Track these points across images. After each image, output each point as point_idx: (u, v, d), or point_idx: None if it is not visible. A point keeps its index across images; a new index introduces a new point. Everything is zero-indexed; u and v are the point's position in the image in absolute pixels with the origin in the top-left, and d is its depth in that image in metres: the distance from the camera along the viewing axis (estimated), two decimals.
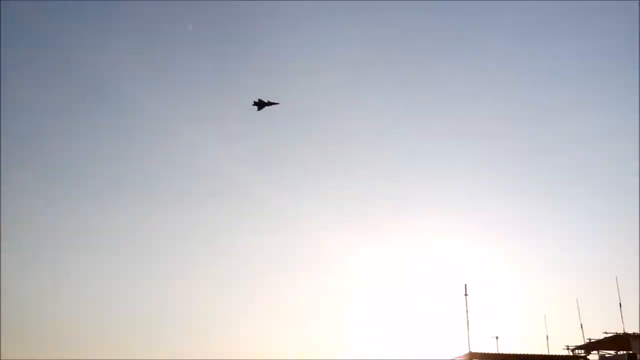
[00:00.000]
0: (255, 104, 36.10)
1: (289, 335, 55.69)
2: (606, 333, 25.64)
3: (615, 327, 25.64)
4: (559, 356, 27.63)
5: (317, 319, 56.97)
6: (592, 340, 26.80)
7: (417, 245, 62.98)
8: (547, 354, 27.82)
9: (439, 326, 39.72)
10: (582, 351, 27.90)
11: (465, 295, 28.87)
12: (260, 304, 57.53)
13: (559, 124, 68.59)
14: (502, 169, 73.38)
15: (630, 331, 25.34)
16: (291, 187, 68.83)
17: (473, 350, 27.06)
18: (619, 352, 26.98)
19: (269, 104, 36.06)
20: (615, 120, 68.57)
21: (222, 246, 63.72)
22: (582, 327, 27.40)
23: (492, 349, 29.24)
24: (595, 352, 28.10)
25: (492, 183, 71.27)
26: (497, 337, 29.81)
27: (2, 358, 38.56)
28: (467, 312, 28.32)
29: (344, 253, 62.39)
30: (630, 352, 25.28)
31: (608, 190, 66.75)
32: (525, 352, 27.15)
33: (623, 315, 26.15)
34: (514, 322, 41.11)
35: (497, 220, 67.90)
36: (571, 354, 27.80)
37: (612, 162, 66.16)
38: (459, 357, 27.86)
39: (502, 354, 27.32)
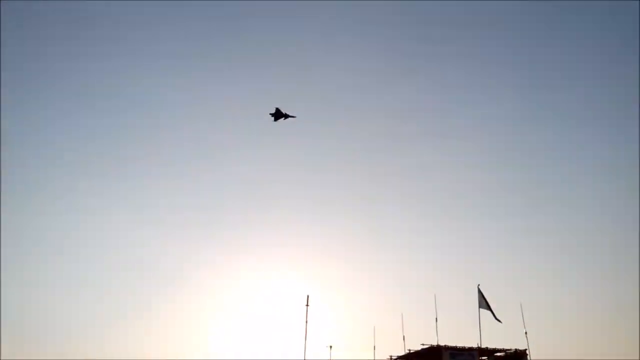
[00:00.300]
0: (275, 117, 33.16)
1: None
2: (423, 344, 28.47)
3: (431, 339, 28.66)
4: None
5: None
6: (411, 351, 29.48)
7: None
8: None
9: (281, 335, 40.82)
10: None
11: (307, 305, 29.97)
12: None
13: None
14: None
15: (442, 343, 28.46)
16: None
17: (308, 359, 28.13)
18: None
19: (287, 116, 33.23)
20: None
21: None
22: (404, 338, 30.17)
23: (325, 358, 30.82)
24: None
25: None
26: (330, 346, 31.42)
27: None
28: (306, 322, 29.42)
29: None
30: None
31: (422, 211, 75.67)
32: None
33: (438, 328, 29.40)
34: (348, 333, 43.61)
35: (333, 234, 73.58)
36: None
37: None
38: None
39: None
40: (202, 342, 53.51)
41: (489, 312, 30.28)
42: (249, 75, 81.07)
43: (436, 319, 29.70)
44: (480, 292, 30.80)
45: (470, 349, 28.38)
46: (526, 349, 28.66)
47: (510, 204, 72.50)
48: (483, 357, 29.76)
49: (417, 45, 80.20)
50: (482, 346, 28.86)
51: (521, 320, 29.29)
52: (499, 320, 29.68)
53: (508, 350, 29.10)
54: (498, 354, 29.47)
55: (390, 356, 30.61)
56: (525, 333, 28.95)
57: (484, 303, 30.45)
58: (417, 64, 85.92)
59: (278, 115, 32.98)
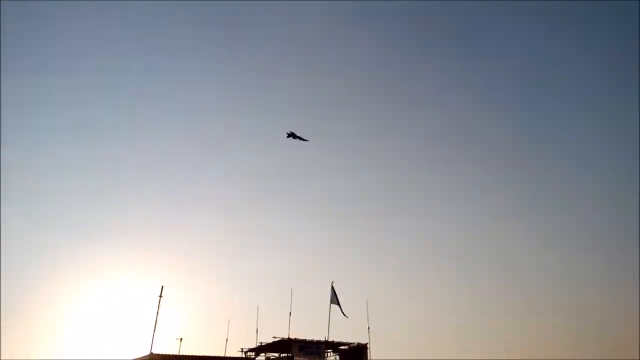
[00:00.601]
0: (288, 135, 36.05)
1: None
2: (275, 338, 29.34)
3: (284, 333, 29.64)
4: (232, 357, 30.18)
5: None
6: (263, 344, 30.17)
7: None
8: (222, 355, 30.05)
9: (131, 327, 38.92)
10: (253, 353, 31.18)
11: (160, 297, 28.93)
12: None
13: None
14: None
15: (293, 337, 29.61)
16: None
17: (155, 352, 27.14)
18: (281, 355, 31.17)
19: (300, 139, 36.02)
20: None
21: None
22: (257, 332, 30.76)
23: (174, 351, 29.98)
24: (263, 354, 31.77)
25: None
26: (181, 339, 30.72)
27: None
28: (157, 313, 28.40)
29: None
30: (290, 354, 29.48)
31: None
32: (203, 354, 28.62)
33: (291, 323, 30.52)
34: (202, 326, 43.08)
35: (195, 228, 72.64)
36: (244, 355, 30.74)
37: None
38: (139, 357, 27.54)
39: (181, 356, 28.20)
40: (54, 342, 48.95)
41: (339, 308, 32.21)
42: None
43: (290, 313, 30.77)
44: (333, 289, 32.64)
45: (318, 342, 29.99)
46: (367, 343, 31.14)
47: (367, 207, 78.43)
48: (329, 350, 31.62)
49: None
50: (329, 340, 30.67)
51: (366, 316, 31.78)
52: (345, 316, 31.74)
53: (351, 344, 31.32)
54: (342, 347, 31.55)
55: (242, 349, 30.98)
56: (368, 329, 31.46)
57: (335, 299, 32.33)
58: None
59: (293, 135, 36.20)
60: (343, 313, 31.66)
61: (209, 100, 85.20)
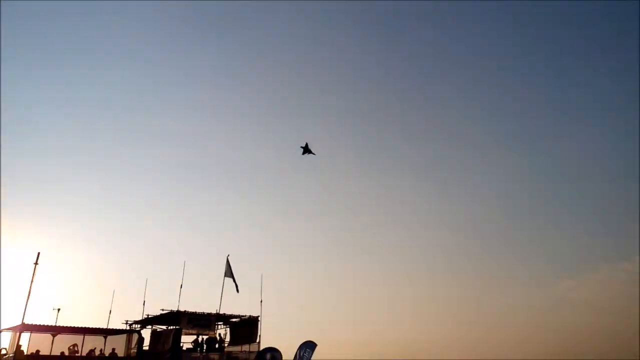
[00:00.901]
0: (302, 147, 36.07)
1: None
2: (163, 310, 28.51)
3: (174, 306, 28.87)
4: (114, 329, 28.90)
5: None
6: (149, 316, 29.20)
7: None
8: (104, 327, 28.66)
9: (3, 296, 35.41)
10: (139, 326, 30.09)
11: (36, 264, 26.65)
12: None
13: None
14: None
15: (183, 309, 28.99)
16: None
17: (27, 322, 25.10)
18: (169, 327, 30.39)
19: (310, 152, 36.05)
20: None
21: None
22: (144, 303, 29.68)
23: (51, 321, 28.08)
24: (150, 326, 30.76)
25: None
26: (58, 309, 28.80)
27: None
28: (32, 281, 26.17)
29: None
30: (178, 327, 28.80)
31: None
32: (82, 326, 27.07)
33: (182, 295, 29.81)
34: (84, 296, 40.65)
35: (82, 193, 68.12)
36: (128, 327, 29.55)
37: None
38: (10, 327, 25.39)
39: (57, 326, 26.45)
40: None
41: (232, 281, 32.07)
42: None
43: (181, 285, 30.02)
44: (228, 263, 32.38)
45: (209, 314, 29.66)
46: (258, 316, 31.45)
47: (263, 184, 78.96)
48: (219, 322, 31.50)
49: None
50: (221, 313, 30.48)
51: (260, 290, 32.01)
52: (237, 291, 31.67)
53: (243, 316, 31.44)
54: (233, 319, 31.58)
55: (127, 321, 29.78)
56: (261, 302, 31.75)
57: (229, 273, 32.13)
58: None
59: (306, 150, 36.24)
60: (236, 287, 31.57)
61: None
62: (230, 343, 31.78)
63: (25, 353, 25.23)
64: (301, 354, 31.88)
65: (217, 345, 30.47)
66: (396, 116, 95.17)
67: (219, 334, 31.22)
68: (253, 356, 29.24)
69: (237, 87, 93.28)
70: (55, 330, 26.41)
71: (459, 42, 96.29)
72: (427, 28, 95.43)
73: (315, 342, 32.11)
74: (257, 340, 30.68)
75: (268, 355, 28.71)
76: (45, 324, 26.32)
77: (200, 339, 30.06)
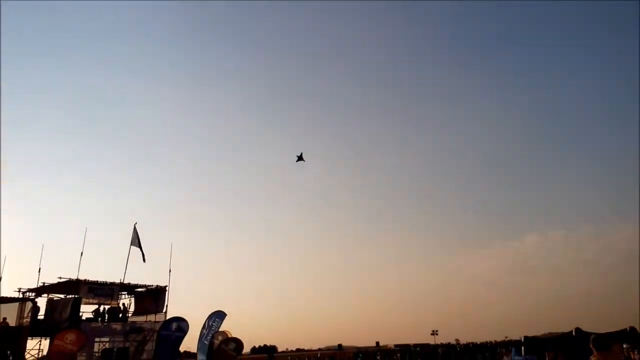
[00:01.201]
0: (297, 156, 37.24)
1: None
2: (60, 278, 26.99)
3: (74, 274, 27.33)
4: (6, 297, 27.03)
5: None
6: (45, 284, 27.52)
7: None
8: None
9: None
10: (33, 294, 28.31)
11: None
12: None
13: None
14: None
15: (84, 277, 27.60)
16: None
17: None
18: (68, 296, 28.84)
19: (302, 160, 37.30)
20: None
21: None
22: (40, 271, 27.85)
23: None
24: (45, 295, 29.00)
25: None
26: None
27: None
28: None
29: None
30: (77, 295, 27.39)
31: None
32: None
33: (83, 263, 28.31)
34: None
35: None
36: (21, 296, 27.71)
37: None
38: None
39: None
40: None
41: (139, 250, 30.97)
42: None
43: (82, 253, 28.50)
44: (135, 231, 31.15)
45: (112, 284, 28.53)
46: (166, 286, 30.82)
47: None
48: (123, 292, 30.45)
49: None
50: (125, 282, 29.42)
51: (168, 259, 31.25)
52: (144, 261, 30.67)
53: (149, 286, 30.63)
54: (139, 289, 30.66)
55: (20, 289, 27.92)
56: (169, 271, 31.08)
57: (136, 242, 30.96)
58: None
59: (300, 159, 37.16)
60: (143, 257, 30.55)
61: None
62: (135, 313, 30.94)
63: None
64: (210, 323, 31.81)
65: (120, 315, 29.47)
66: None
67: (123, 304, 30.20)
68: (158, 326, 28.64)
69: None
70: None
71: None
72: None
73: (225, 311, 32.17)
74: (164, 310, 30.15)
75: (174, 325, 28.25)
76: None
77: (102, 308, 28.89)
